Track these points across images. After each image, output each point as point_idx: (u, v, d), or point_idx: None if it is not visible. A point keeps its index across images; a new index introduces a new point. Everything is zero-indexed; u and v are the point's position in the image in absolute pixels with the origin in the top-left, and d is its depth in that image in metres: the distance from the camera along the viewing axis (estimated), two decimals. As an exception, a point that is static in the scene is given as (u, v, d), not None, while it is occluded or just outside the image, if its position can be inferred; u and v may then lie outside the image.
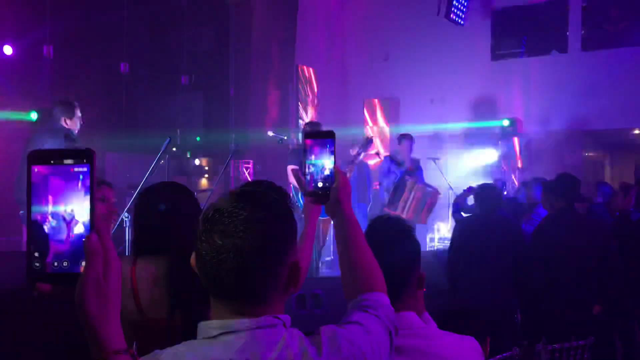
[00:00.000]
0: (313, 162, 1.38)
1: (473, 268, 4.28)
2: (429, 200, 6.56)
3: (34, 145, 4.70)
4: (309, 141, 1.39)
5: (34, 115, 6.64)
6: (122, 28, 8.03)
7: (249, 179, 7.72)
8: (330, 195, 1.36)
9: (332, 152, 1.37)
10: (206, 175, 9.96)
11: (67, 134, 4.79)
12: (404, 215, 6.35)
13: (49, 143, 4.70)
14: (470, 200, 4.87)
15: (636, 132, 10.56)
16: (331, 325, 1.14)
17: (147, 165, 5.02)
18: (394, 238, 1.64)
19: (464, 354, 1.61)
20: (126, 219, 4.73)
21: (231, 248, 0.99)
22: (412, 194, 6.51)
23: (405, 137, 6.78)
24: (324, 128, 10.11)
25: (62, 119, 4.88)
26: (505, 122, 9.59)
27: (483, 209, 4.42)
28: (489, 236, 4.24)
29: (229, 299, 1.03)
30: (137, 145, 7.89)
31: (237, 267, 0.99)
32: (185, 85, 9.05)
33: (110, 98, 8.30)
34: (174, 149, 8.48)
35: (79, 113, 4.95)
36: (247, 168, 8.98)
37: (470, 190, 5.23)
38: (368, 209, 7.11)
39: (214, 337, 1.02)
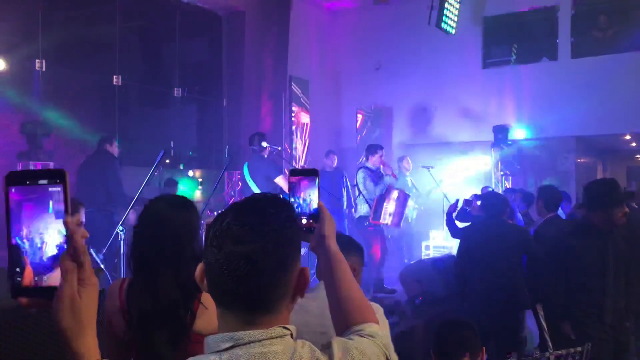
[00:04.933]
0: (298, 198, 1.40)
1: (479, 274, 4.28)
2: (404, 203, 6.91)
3: (114, 175, 5.90)
4: (293, 178, 1.42)
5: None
6: (115, 41, 8.03)
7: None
8: (314, 231, 1.36)
9: (316, 189, 1.41)
10: (200, 187, 9.93)
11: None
12: (389, 223, 6.65)
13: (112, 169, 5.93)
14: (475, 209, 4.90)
15: (627, 137, 10.64)
16: (339, 337, 1.15)
17: (140, 177, 5.01)
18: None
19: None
20: (121, 233, 4.70)
21: (243, 255, 0.99)
22: (397, 201, 6.66)
23: (379, 148, 6.86)
24: (319, 132, 10.11)
25: (106, 145, 6.04)
26: (497, 130, 9.62)
27: (490, 216, 4.44)
28: (496, 243, 4.25)
29: (239, 309, 1.02)
30: (131, 158, 7.86)
31: (249, 273, 0.99)
32: (178, 97, 9.06)
33: (103, 111, 8.29)
34: (167, 161, 8.47)
35: None
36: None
37: (469, 201, 5.26)
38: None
39: (224, 350, 1.00)
